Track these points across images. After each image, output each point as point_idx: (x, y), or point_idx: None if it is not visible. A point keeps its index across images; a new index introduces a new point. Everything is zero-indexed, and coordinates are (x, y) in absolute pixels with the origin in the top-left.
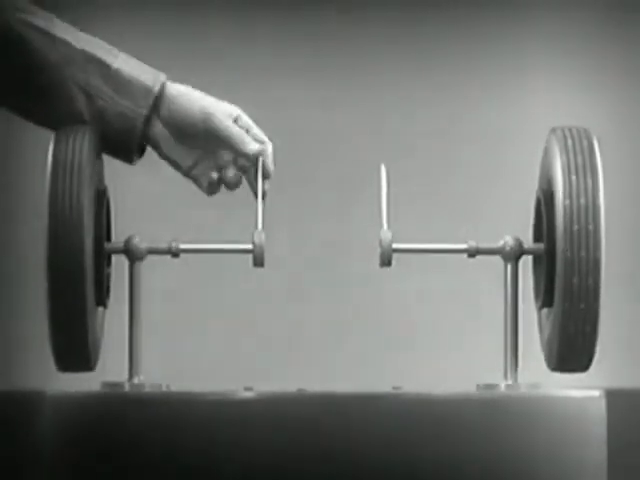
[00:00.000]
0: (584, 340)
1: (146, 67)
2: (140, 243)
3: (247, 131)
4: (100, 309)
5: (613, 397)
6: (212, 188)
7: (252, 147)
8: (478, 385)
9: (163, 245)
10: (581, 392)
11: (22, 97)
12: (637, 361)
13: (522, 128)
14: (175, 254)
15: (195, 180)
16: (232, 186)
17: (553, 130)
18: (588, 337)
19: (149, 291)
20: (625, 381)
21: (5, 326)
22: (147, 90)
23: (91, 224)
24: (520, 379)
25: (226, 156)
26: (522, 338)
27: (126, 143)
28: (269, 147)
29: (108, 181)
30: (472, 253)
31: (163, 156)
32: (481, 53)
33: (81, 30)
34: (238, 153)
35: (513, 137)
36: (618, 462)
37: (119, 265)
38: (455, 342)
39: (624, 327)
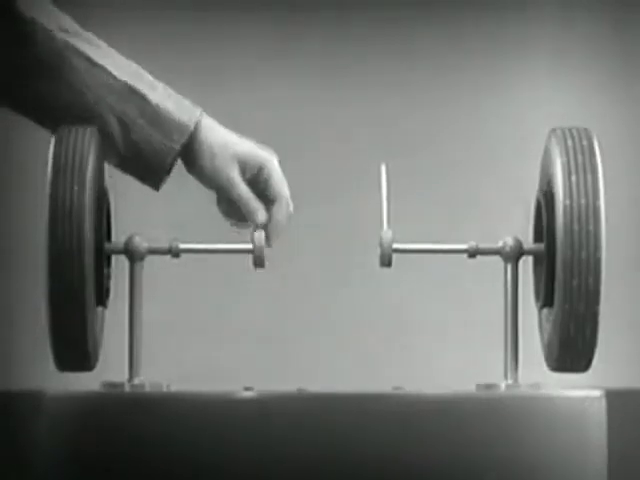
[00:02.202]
0: (584, 340)
1: (183, 101)
2: (140, 243)
3: (265, 186)
4: (100, 309)
5: (613, 397)
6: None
7: (257, 219)
8: (478, 385)
9: (163, 245)
10: (581, 392)
11: (56, 116)
12: (637, 361)
13: (522, 128)
14: (175, 254)
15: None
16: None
17: (553, 130)
18: (588, 337)
19: (149, 291)
20: (625, 381)
21: (5, 326)
22: (182, 127)
23: (91, 224)
24: (520, 379)
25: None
26: (522, 338)
27: (155, 174)
28: (282, 204)
29: (108, 181)
30: (472, 253)
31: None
32: (481, 53)
33: (100, 35)
34: (245, 219)
35: (513, 137)
36: (618, 462)
37: (119, 265)
38: (455, 342)
39: (624, 327)
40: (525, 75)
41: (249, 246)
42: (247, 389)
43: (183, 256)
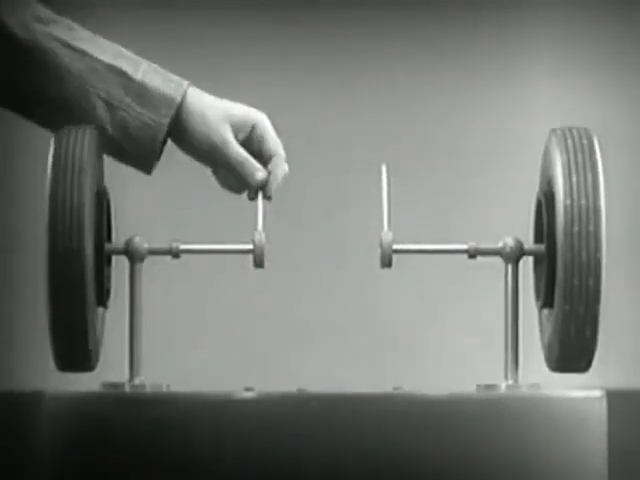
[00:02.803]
0: (584, 341)
1: (169, 75)
2: (141, 244)
3: (259, 145)
4: (100, 309)
5: (614, 397)
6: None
7: (256, 178)
8: (478, 385)
9: (163, 245)
10: (582, 392)
11: (44, 108)
12: (637, 361)
13: (522, 128)
14: (175, 255)
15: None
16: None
17: (553, 130)
18: (588, 338)
19: (149, 291)
20: (625, 381)
21: (5, 326)
22: (169, 100)
23: (91, 225)
24: (520, 379)
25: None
26: (522, 338)
27: (147, 153)
28: (279, 162)
29: (108, 181)
30: (472, 254)
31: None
32: (482, 53)
33: (100, 35)
34: (243, 181)
35: (513, 137)
36: (619, 463)
37: (119, 265)
38: (455, 342)
39: (624, 327)
40: (525, 75)
41: (249, 246)
42: (247, 389)
43: (183, 256)
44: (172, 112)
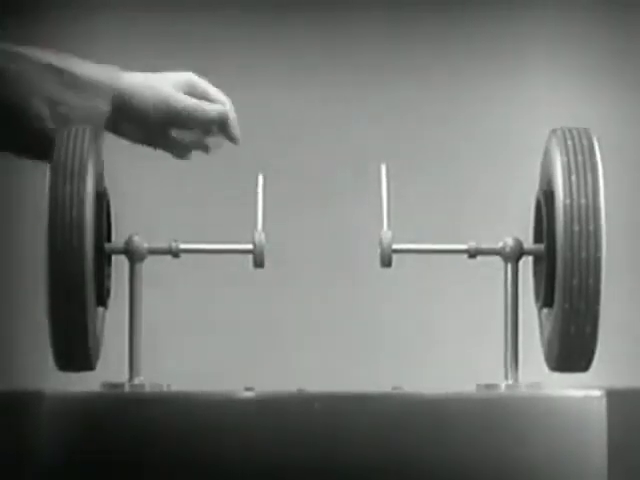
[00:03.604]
0: (584, 340)
1: (100, 66)
2: (140, 243)
3: (203, 98)
4: (100, 309)
5: (614, 397)
6: (184, 154)
7: (212, 113)
8: (478, 385)
9: (163, 245)
10: (581, 392)
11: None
12: (637, 361)
13: (522, 128)
14: (175, 254)
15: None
16: (207, 149)
17: (553, 131)
18: (588, 337)
19: (149, 291)
20: (625, 381)
21: (5, 326)
22: (105, 87)
23: (91, 224)
24: (520, 379)
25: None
26: (522, 338)
27: None
28: (227, 106)
29: (108, 182)
30: (472, 254)
31: (134, 142)
32: (481, 53)
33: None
34: (203, 124)
35: (513, 137)
36: (619, 462)
37: (119, 265)
38: (455, 342)
39: (624, 327)
40: (525, 75)
41: (249, 246)
42: (247, 389)
43: (183, 256)
44: (109, 99)
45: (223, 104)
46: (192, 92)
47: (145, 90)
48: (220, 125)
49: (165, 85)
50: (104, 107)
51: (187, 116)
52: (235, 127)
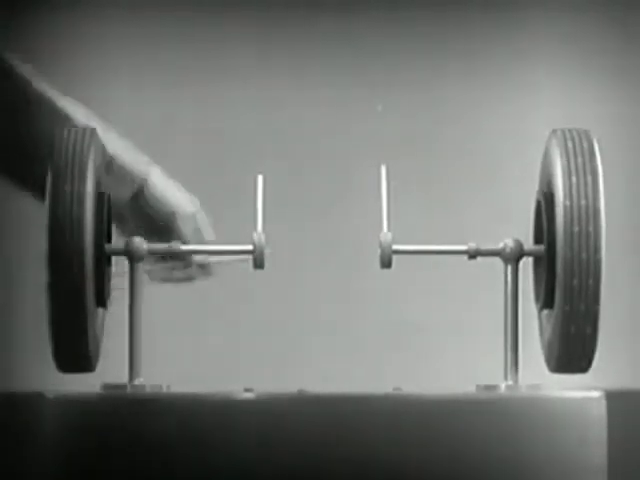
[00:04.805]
0: (584, 341)
1: (135, 153)
2: (140, 244)
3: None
4: (100, 310)
5: (614, 398)
6: (163, 281)
7: (195, 260)
8: (478, 385)
9: (163, 245)
10: (581, 393)
11: (18, 164)
12: (637, 361)
13: (522, 129)
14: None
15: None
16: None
17: (553, 132)
18: (588, 339)
19: (149, 291)
20: (625, 382)
21: (5, 327)
22: (134, 177)
23: (92, 225)
24: (520, 380)
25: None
26: (522, 339)
27: None
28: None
29: None
30: (472, 255)
31: (125, 234)
32: (481, 53)
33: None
34: (185, 263)
35: (513, 138)
36: (618, 464)
37: (119, 265)
38: (455, 342)
39: (624, 327)
40: (525, 76)
41: (249, 247)
42: (247, 390)
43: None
44: (135, 187)
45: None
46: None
47: (163, 198)
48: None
49: (179, 204)
50: (126, 194)
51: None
52: (209, 273)
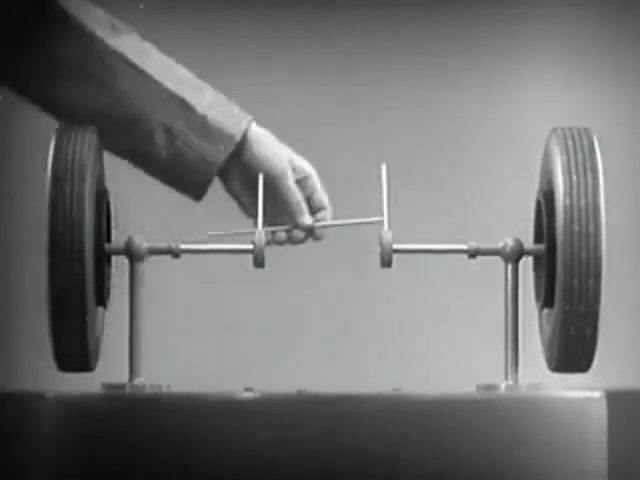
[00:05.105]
0: (584, 341)
1: (232, 108)
2: (141, 243)
3: (311, 194)
4: (100, 309)
5: (614, 398)
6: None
7: (304, 221)
8: (478, 385)
9: (163, 245)
10: (582, 393)
11: (103, 127)
12: (637, 361)
13: (523, 128)
14: (175, 254)
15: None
16: (295, 243)
17: (554, 130)
18: (588, 338)
19: (149, 291)
20: (625, 382)
21: (5, 326)
22: (229, 137)
23: (92, 225)
24: (520, 380)
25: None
26: (522, 338)
27: (199, 183)
28: (327, 215)
29: (108, 182)
30: (472, 254)
31: (233, 196)
32: (481, 53)
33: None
34: (292, 220)
35: (513, 137)
36: (618, 462)
37: (119, 265)
38: (455, 342)
39: (624, 327)
40: (526, 75)
41: (249, 246)
42: (247, 390)
43: (183, 256)
44: (230, 149)
45: (328, 212)
46: (304, 182)
47: (268, 150)
48: (306, 230)
49: (284, 161)
50: (221, 154)
51: (285, 205)
52: (321, 236)
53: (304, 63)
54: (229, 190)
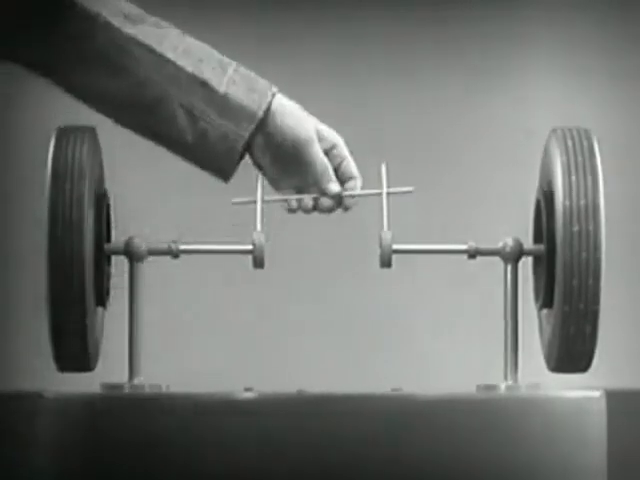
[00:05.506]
0: (584, 341)
1: (254, 82)
2: (140, 244)
3: (339, 163)
4: (100, 309)
5: (613, 397)
6: (299, 209)
7: (331, 189)
8: (478, 386)
9: (163, 245)
10: (581, 393)
11: (127, 112)
12: (637, 361)
13: (522, 128)
14: (175, 255)
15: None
16: (324, 211)
17: (553, 130)
18: (588, 338)
19: (149, 291)
20: (625, 381)
21: (5, 326)
22: (251, 114)
23: (91, 225)
24: (520, 380)
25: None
26: (522, 338)
27: (226, 163)
28: (356, 184)
29: (108, 182)
30: (472, 254)
31: (261, 171)
32: (482, 53)
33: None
34: (319, 188)
35: (513, 137)
36: (618, 462)
37: (119, 265)
38: (455, 342)
39: (624, 327)
40: (526, 75)
41: (249, 247)
42: (247, 390)
43: (183, 256)
44: (253, 126)
45: (358, 181)
46: (331, 151)
47: (294, 118)
48: (333, 198)
49: (311, 129)
50: (245, 132)
51: (313, 173)
52: (350, 204)
53: (304, 63)
54: (255, 163)
